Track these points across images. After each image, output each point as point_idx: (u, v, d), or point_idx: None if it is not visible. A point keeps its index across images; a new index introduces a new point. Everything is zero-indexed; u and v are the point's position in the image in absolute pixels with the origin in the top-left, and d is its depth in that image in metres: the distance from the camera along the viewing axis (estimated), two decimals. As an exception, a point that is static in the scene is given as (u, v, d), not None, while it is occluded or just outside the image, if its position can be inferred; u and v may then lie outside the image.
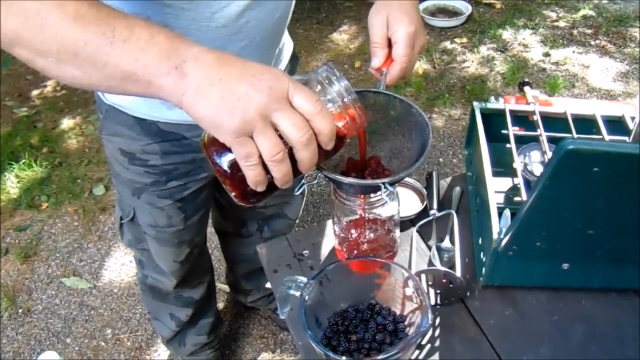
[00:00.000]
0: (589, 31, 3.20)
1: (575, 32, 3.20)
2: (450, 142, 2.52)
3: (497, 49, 3.10)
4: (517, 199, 0.83)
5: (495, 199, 0.82)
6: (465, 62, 3.01)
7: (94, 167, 2.53)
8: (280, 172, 0.58)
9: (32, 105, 2.96)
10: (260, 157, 0.56)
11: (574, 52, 3.04)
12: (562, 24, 3.28)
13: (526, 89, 1.07)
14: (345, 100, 0.61)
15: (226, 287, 1.91)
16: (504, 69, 2.93)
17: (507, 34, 3.21)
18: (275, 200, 1.38)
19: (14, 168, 2.49)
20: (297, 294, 0.71)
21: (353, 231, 0.82)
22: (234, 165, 0.58)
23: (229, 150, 0.57)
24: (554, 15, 3.37)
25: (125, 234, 1.27)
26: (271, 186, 0.59)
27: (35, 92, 3.05)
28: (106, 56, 0.56)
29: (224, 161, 0.59)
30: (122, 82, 0.58)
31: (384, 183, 0.65)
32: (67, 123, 2.80)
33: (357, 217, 0.79)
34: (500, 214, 0.79)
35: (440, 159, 2.45)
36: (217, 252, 1.98)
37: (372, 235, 0.80)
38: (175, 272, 1.32)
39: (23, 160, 2.52)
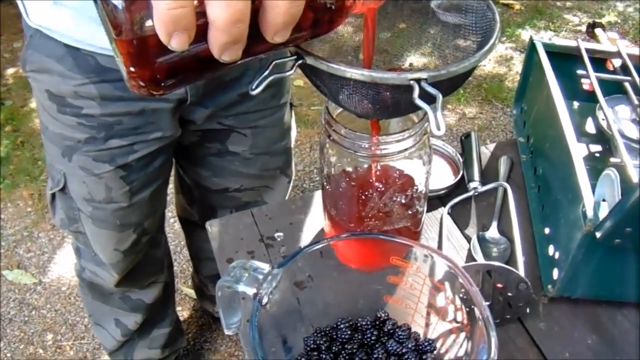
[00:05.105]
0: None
1: (600, 37, 3.00)
2: (464, 142, 2.27)
3: (515, 49, 2.94)
4: (614, 159, 0.53)
5: (581, 164, 0.52)
6: (481, 60, 2.80)
7: (59, 148, 2.27)
8: (226, 11, 0.28)
9: (4, 83, 2.76)
10: None
11: (600, 57, 2.82)
12: (585, 28, 3.08)
13: (598, 31, 0.79)
14: None
15: (192, 292, 1.61)
16: (523, 69, 2.70)
17: (526, 34, 3.06)
18: (255, 183, 1.11)
19: (-31, 147, 2.25)
20: (252, 291, 0.40)
21: (353, 195, 0.51)
22: None
23: None
24: (576, 20, 3.18)
25: (57, 211, 1.01)
26: (200, 57, 0.29)
27: (10, 71, 2.84)
28: None
29: None
30: None
31: (419, 80, 0.33)
32: (37, 102, 2.57)
33: (363, 170, 0.48)
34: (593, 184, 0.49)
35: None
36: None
37: (384, 204, 0.49)
38: (117, 265, 1.05)
39: (-19, 139, 2.28)
